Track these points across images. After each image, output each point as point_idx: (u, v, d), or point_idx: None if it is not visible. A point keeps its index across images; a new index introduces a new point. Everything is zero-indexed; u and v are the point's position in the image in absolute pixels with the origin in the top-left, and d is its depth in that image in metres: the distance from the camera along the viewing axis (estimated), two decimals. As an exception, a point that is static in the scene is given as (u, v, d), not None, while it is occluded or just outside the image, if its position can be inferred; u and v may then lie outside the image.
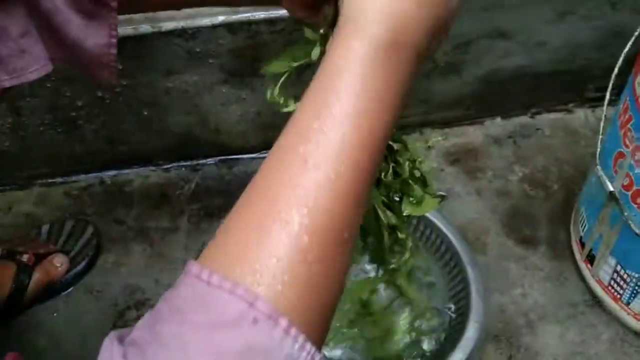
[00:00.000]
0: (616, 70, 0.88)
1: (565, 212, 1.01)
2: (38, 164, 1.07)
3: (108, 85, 0.69)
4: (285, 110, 0.58)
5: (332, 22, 0.49)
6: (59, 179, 1.09)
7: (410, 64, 0.36)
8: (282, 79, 0.57)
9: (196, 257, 0.35)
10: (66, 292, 0.95)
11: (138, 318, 0.90)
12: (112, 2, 0.61)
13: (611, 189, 0.81)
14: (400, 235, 0.58)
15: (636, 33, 0.85)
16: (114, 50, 0.65)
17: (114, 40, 0.64)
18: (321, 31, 0.52)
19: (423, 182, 0.59)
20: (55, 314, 0.93)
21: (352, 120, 0.33)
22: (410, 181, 0.57)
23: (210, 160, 1.11)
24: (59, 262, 0.94)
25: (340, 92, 0.34)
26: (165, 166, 1.10)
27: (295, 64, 0.54)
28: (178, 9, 0.77)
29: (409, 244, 0.60)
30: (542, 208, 1.03)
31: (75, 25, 0.61)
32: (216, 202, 1.05)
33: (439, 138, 1.14)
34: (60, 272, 0.94)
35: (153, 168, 1.09)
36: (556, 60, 1.10)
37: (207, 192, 1.07)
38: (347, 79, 0.34)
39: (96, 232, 0.99)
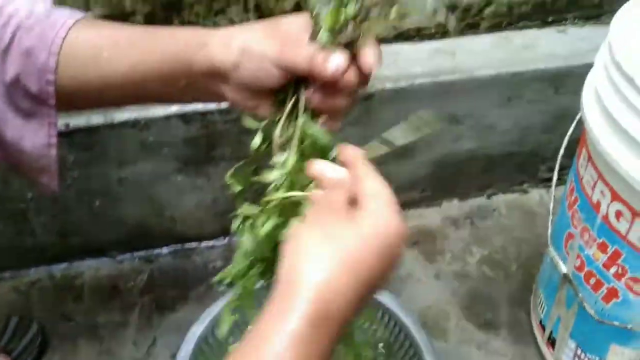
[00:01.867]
0: (562, 152, 0.90)
1: (525, 293, 1.00)
2: (-15, 259, 1.03)
3: (48, 191, 0.66)
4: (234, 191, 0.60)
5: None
6: (7, 274, 1.05)
7: (334, 334, 0.42)
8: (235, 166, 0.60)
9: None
10: (6, 395, 0.89)
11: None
12: (51, 100, 0.59)
13: (564, 270, 0.81)
14: None
15: (577, 117, 0.87)
16: (53, 152, 0.61)
17: (53, 140, 0.61)
18: (263, 122, 0.54)
19: None
20: (-8, 421, 0.87)
21: None
22: None
23: (165, 250, 1.08)
24: (0, 363, 0.89)
25: (268, 357, 0.40)
26: (118, 257, 1.07)
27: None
28: (116, 106, 0.77)
29: None
30: (502, 290, 1.02)
31: (13, 124, 0.59)
32: (170, 293, 1.02)
33: (398, 221, 1.14)
34: (0, 374, 0.89)
35: (105, 260, 1.06)
36: (507, 142, 1.13)
37: (161, 283, 1.03)
38: (275, 348, 0.40)
39: (41, 330, 0.94)
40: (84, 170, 0.96)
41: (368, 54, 0.50)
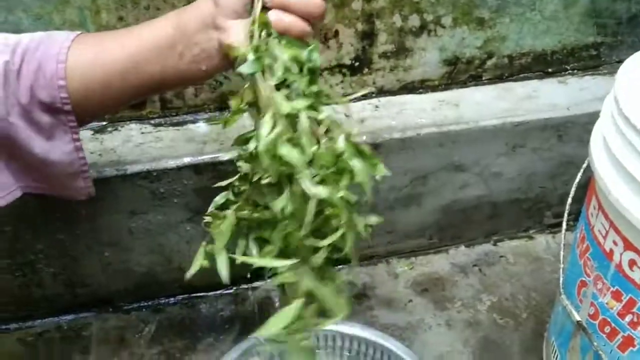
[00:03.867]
0: (570, 200, 0.91)
1: (537, 341, 1.00)
2: (-8, 310, 1.02)
3: (85, 195, 0.69)
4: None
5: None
6: (13, 325, 1.04)
7: None
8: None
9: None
10: None
11: None
12: (66, 105, 0.62)
13: (578, 318, 0.81)
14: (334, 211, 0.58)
15: (584, 165, 0.89)
16: (82, 154, 0.66)
17: (79, 144, 0.65)
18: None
19: (361, 153, 0.62)
20: None
21: None
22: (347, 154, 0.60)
23: (172, 300, 1.08)
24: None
25: None
26: (125, 307, 1.06)
27: None
28: (123, 104, 0.80)
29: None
30: (514, 338, 1.02)
31: (38, 141, 0.63)
32: (178, 344, 1.01)
33: (405, 267, 1.14)
34: None
35: (112, 310, 1.06)
36: (513, 189, 1.14)
37: (169, 334, 1.02)
38: None
39: (48, 383, 0.93)
40: (95, 221, 0.96)
41: None
